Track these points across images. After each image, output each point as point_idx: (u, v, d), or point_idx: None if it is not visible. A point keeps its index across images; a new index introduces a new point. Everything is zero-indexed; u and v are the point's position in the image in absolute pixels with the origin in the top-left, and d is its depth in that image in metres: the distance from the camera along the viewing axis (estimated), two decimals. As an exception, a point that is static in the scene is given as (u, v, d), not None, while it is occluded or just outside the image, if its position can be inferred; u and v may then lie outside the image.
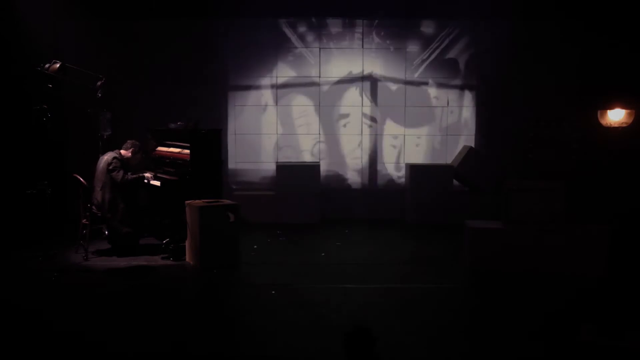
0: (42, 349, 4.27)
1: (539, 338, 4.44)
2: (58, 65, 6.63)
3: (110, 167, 6.66)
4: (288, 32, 9.30)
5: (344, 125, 9.42)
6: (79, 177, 6.75)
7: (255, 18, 9.18)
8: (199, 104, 8.82)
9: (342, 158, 9.48)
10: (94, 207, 6.69)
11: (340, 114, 9.40)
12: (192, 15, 8.88)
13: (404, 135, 9.40)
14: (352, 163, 9.48)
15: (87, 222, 6.75)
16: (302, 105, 9.39)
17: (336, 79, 9.34)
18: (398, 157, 9.44)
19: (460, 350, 4.29)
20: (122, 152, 6.90)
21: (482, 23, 9.08)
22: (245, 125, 9.39)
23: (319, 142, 9.42)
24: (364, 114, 9.37)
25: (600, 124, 7.67)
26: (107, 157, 6.77)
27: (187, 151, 6.86)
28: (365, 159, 9.44)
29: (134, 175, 6.86)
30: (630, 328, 4.51)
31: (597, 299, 5.31)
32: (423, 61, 9.30)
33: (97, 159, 6.91)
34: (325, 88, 9.35)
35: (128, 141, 7.03)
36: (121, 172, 6.69)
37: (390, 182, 9.45)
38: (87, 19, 8.70)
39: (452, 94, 9.31)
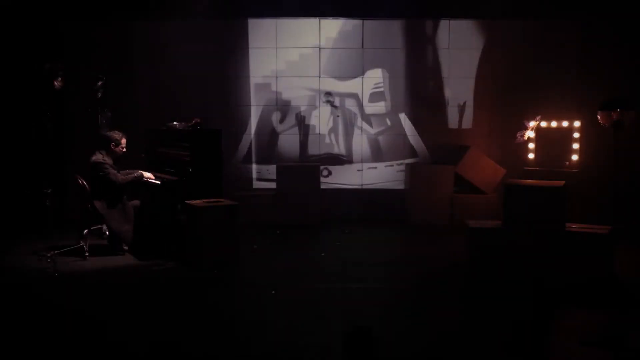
0: (42, 348, 4.28)
1: (540, 339, 4.43)
2: (59, 65, 6.63)
3: (102, 174, 6.60)
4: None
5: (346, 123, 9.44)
6: (79, 177, 6.76)
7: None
8: (199, 104, 8.82)
9: (342, 156, 9.49)
10: (93, 207, 6.68)
11: (342, 112, 9.41)
12: (190, 16, 8.88)
13: (405, 135, 9.40)
14: (353, 162, 9.48)
15: (86, 222, 6.76)
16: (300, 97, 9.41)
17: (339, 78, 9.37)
18: (399, 156, 9.43)
19: (461, 351, 4.29)
20: (104, 151, 6.77)
21: (486, 22, 9.08)
22: (243, 124, 9.40)
23: (319, 140, 9.43)
24: (363, 113, 9.38)
25: (600, 124, 7.66)
26: (92, 160, 6.67)
27: (187, 151, 6.86)
28: (366, 158, 9.44)
29: (132, 175, 6.85)
30: (630, 329, 4.52)
31: (598, 300, 5.30)
32: (426, 59, 9.30)
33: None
34: (326, 84, 9.37)
35: (106, 135, 6.86)
36: (114, 173, 6.65)
37: (391, 181, 9.44)
38: (87, 19, 8.69)
39: (453, 93, 9.31)
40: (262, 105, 9.44)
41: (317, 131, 9.45)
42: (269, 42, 9.33)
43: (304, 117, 9.43)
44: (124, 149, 6.90)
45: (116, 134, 6.85)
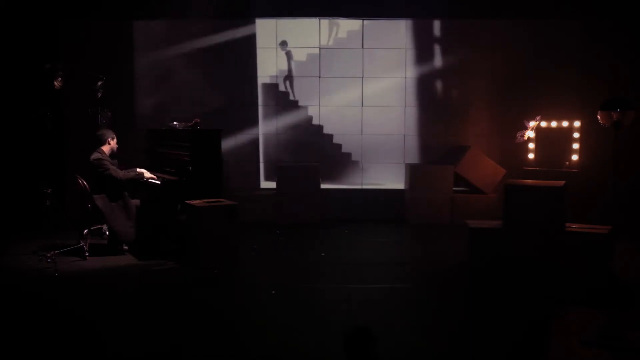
0: (41, 348, 4.28)
1: (542, 339, 4.43)
2: (59, 65, 6.63)
3: (101, 170, 6.61)
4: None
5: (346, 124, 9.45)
6: (79, 177, 6.75)
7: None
8: (199, 103, 8.82)
9: (342, 156, 9.49)
10: (94, 206, 6.68)
11: (342, 112, 9.41)
12: (191, 15, 8.89)
13: (404, 135, 9.40)
14: (352, 161, 9.48)
15: (86, 222, 6.75)
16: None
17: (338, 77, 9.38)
18: (399, 156, 9.43)
19: (462, 351, 4.29)
20: (103, 147, 6.79)
21: (487, 22, 9.07)
22: (245, 124, 9.40)
23: (319, 139, 9.43)
24: (364, 112, 9.39)
25: (600, 124, 7.66)
26: (92, 159, 6.68)
27: (187, 151, 6.86)
28: (367, 157, 9.43)
29: (133, 173, 6.84)
30: (630, 329, 4.52)
31: (598, 300, 5.30)
32: (427, 59, 9.30)
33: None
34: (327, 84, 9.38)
35: (101, 132, 6.88)
36: (114, 169, 6.65)
37: (391, 181, 9.44)
38: (87, 19, 8.69)
39: (454, 93, 9.30)
40: (263, 105, 9.44)
41: (317, 131, 9.45)
42: (272, 42, 9.34)
43: (304, 117, 9.44)
44: (117, 144, 6.95)
45: (110, 130, 6.92)
